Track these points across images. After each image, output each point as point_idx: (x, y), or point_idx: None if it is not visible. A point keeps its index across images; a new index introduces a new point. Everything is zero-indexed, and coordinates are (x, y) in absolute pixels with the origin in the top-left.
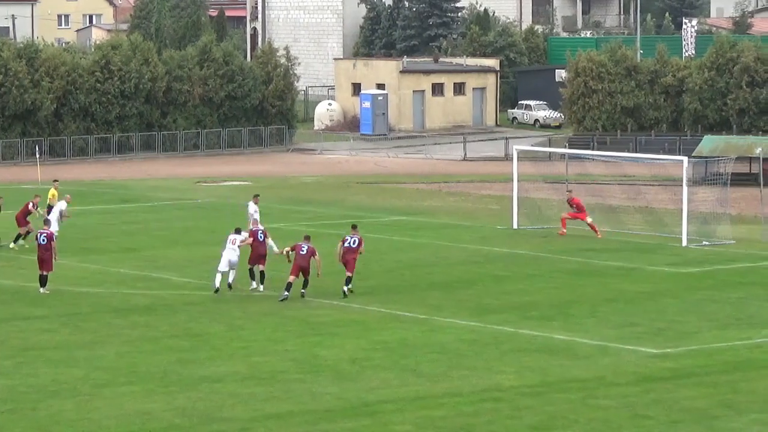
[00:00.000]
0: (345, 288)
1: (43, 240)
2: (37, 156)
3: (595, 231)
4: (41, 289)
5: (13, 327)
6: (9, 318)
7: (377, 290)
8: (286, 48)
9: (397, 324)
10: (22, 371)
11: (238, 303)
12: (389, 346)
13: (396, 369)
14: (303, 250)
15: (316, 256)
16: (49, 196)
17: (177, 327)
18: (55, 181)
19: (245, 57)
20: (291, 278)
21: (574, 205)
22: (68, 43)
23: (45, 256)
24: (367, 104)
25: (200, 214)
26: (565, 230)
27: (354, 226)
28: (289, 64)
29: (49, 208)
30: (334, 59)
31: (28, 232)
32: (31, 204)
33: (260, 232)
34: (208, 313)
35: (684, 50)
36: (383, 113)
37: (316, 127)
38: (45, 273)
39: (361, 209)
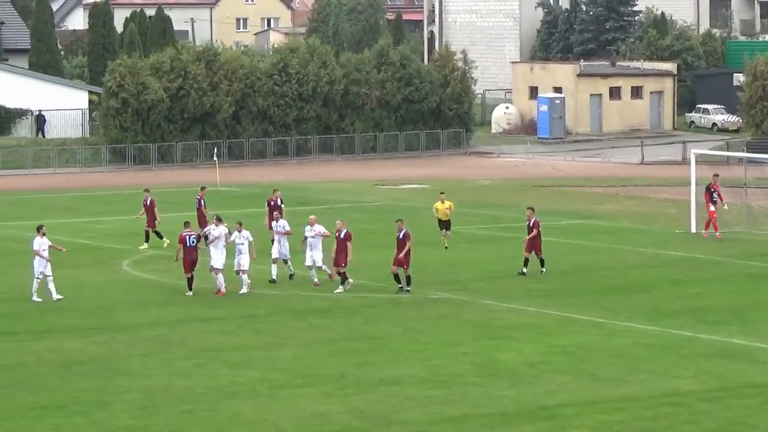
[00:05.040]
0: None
1: (192, 242)
2: (215, 159)
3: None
4: (188, 292)
5: (191, 328)
6: (187, 319)
7: (554, 293)
8: (464, 51)
9: (574, 327)
10: (200, 372)
11: (415, 306)
12: (567, 349)
13: (574, 373)
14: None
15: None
16: (435, 209)
17: (355, 329)
18: (442, 193)
19: (422, 60)
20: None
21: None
22: (246, 46)
23: (194, 258)
24: (544, 108)
25: (377, 217)
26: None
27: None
28: (467, 68)
29: (441, 222)
30: (511, 63)
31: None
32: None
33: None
34: (385, 316)
35: None
36: (560, 117)
37: (493, 131)
38: (192, 274)
39: (537, 213)
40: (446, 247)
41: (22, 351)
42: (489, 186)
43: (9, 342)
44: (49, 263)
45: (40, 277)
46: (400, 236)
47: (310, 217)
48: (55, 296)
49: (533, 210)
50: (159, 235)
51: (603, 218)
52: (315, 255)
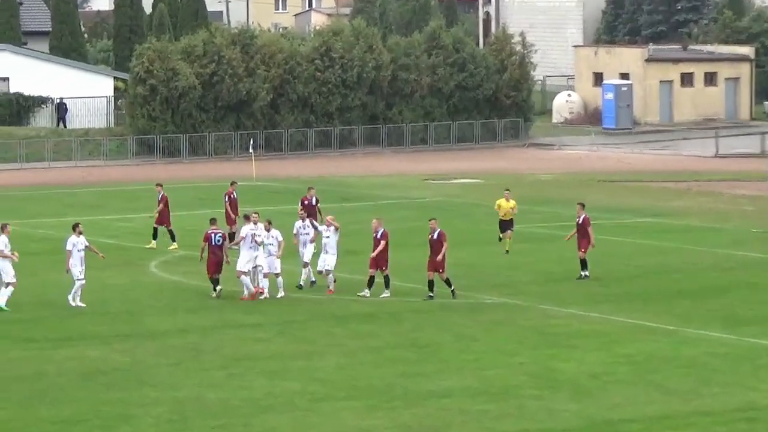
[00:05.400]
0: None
1: (218, 240)
2: (251, 151)
3: None
4: (215, 292)
5: (225, 335)
6: (221, 326)
7: (619, 298)
8: (522, 34)
9: (641, 335)
10: (234, 383)
11: (467, 312)
12: (633, 359)
13: (641, 384)
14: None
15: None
16: (497, 206)
17: (401, 337)
18: (507, 190)
19: (477, 44)
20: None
21: None
22: (286, 28)
23: (220, 258)
24: (609, 95)
25: (427, 215)
26: None
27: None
28: (525, 52)
29: (502, 223)
30: (574, 46)
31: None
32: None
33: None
34: (434, 322)
35: None
36: (627, 105)
37: (554, 120)
38: (218, 276)
39: (602, 209)
40: (507, 251)
41: (42, 360)
42: (549, 181)
43: (28, 350)
44: (84, 265)
45: (82, 278)
46: (434, 236)
47: (328, 217)
48: (78, 302)
49: (583, 206)
50: (155, 235)
51: (673, 216)
52: (328, 259)
